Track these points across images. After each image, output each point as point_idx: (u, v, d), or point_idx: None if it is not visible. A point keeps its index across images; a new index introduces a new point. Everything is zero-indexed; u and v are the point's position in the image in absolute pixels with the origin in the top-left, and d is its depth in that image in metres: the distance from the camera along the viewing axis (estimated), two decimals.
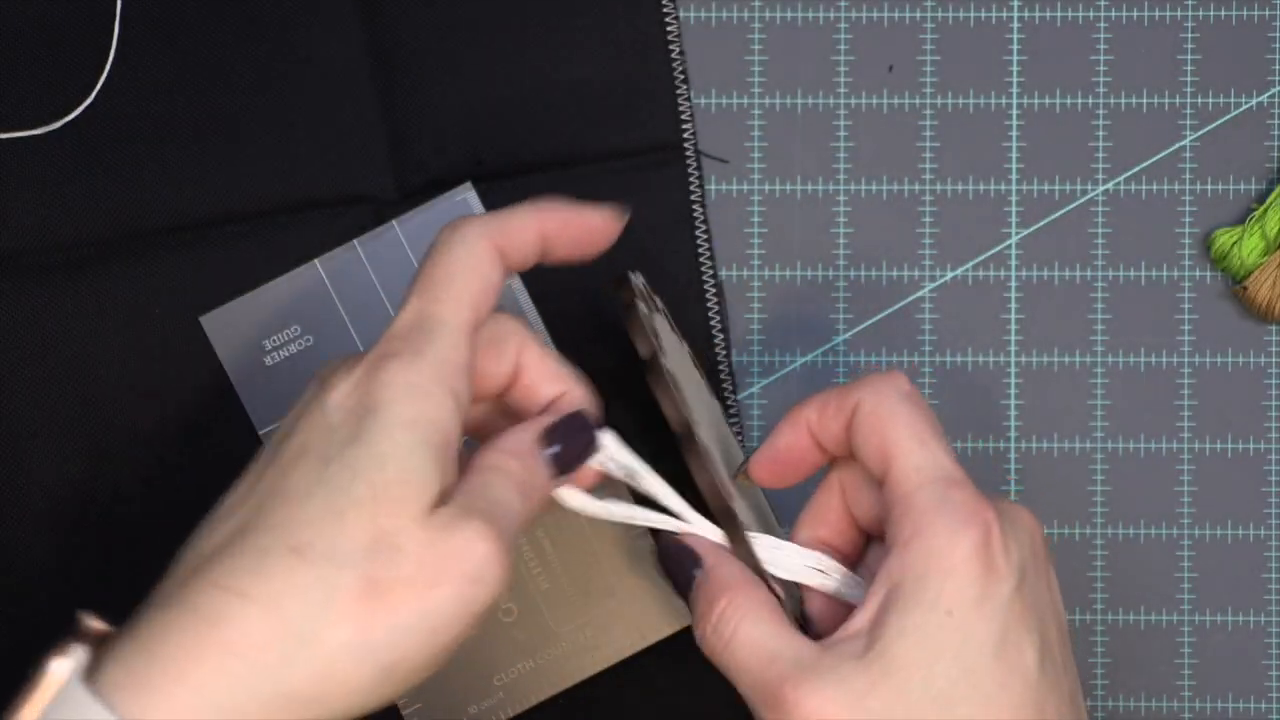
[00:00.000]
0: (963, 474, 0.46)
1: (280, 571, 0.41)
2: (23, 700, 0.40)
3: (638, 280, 0.53)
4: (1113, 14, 0.61)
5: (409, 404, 0.43)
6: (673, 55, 0.61)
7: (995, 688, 0.44)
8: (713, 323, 0.61)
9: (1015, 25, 0.62)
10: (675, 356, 0.53)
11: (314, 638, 0.41)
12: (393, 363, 0.44)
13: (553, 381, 0.48)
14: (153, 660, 0.40)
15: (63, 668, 0.40)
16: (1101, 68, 0.61)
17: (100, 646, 0.41)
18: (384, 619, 0.41)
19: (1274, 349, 0.61)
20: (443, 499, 0.43)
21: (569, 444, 0.47)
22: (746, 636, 0.46)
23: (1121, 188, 0.61)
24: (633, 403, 0.55)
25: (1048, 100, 0.61)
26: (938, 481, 0.46)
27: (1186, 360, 0.61)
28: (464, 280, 0.46)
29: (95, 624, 0.42)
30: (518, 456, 0.46)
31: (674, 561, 0.49)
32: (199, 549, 0.43)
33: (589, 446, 0.48)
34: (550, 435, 0.47)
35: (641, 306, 0.50)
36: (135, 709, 0.39)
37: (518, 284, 0.60)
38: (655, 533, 0.50)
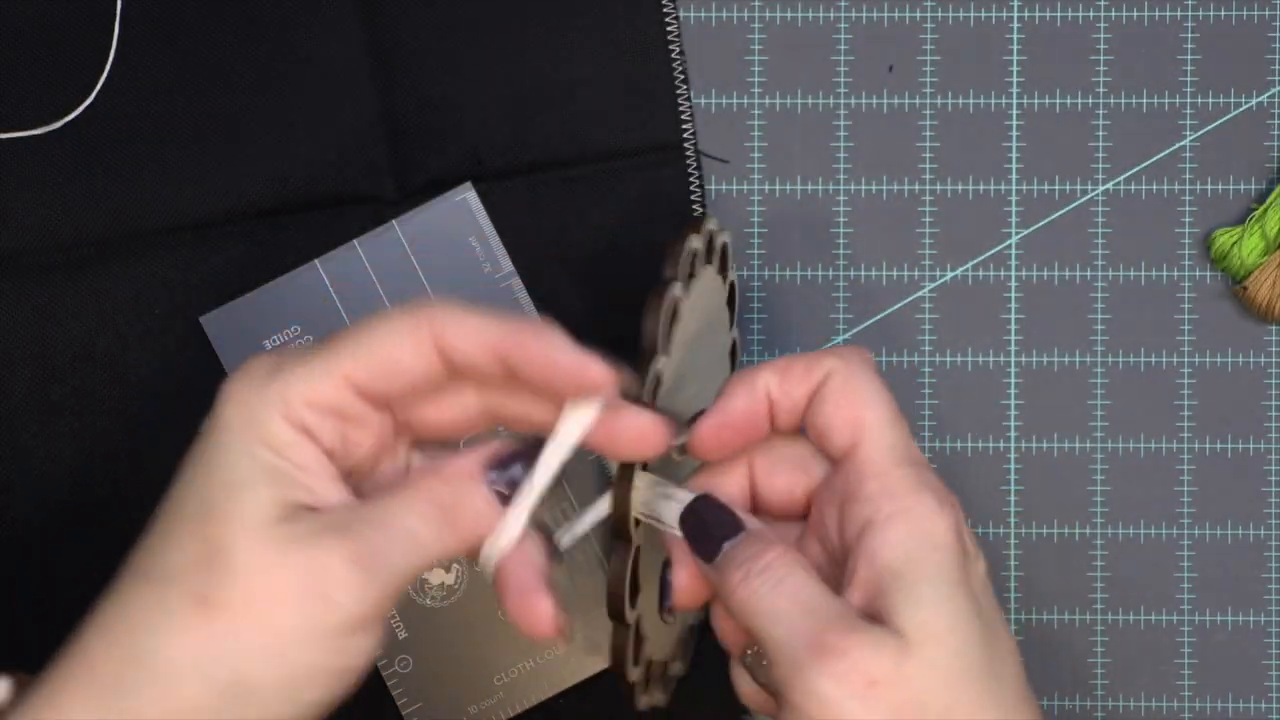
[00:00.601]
0: (924, 458, 0.47)
1: (127, 594, 0.42)
2: None
3: (721, 234, 0.52)
4: (1113, 14, 0.61)
5: (240, 417, 0.42)
6: (673, 55, 0.61)
7: (1003, 649, 0.45)
8: None
9: (1015, 25, 0.61)
10: (703, 321, 0.52)
11: (152, 657, 0.41)
12: (235, 381, 0.43)
13: (563, 352, 0.44)
14: (38, 692, 0.41)
15: None
16: (1101, 68, 0.61)
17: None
18: (220, 637, 0.41)
19: (1274, 349, 0.61)
20: (287, 512, 0.42)
21: (515, 471, 0.45)
22: (794, 584, 0.45)
23: (1121, 188, 0.61)
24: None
25: (1048, 100, 0.61)
26: (909, 463, 0.46)
27: (1186, 360, 0.61)
28: (371, 329, 0.44)
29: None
30: (449, 481, 0.44)
31: (712, 522, 0.46)
32: None
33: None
34: (495, 461, 0.45)
35: (694, 244, 0.49)
36: None
37: (519, 285, 0.60)
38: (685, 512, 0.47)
